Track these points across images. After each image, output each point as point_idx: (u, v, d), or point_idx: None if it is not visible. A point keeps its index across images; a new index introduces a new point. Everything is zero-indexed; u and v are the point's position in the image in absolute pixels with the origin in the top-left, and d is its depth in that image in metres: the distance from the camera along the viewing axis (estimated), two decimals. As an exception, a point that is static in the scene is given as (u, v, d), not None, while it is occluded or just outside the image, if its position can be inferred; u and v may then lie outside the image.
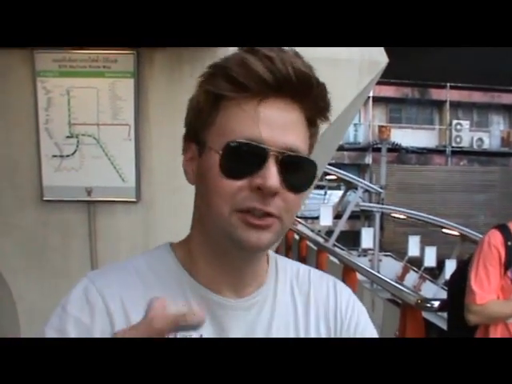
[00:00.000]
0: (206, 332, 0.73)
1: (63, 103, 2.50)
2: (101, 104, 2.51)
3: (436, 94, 21.22)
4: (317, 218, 12.49)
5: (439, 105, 21.67)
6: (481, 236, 2.24)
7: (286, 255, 7.27)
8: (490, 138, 21.67)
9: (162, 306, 0.56)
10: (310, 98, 0.72)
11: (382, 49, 2.75)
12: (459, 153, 21.20)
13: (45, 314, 0.76)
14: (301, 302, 0.83)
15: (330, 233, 12.53)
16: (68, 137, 2.53)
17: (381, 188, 14.81)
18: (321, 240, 10.22)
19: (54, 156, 2.53)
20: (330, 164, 10.96)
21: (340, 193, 14.55)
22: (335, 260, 6.52)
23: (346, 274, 5.37)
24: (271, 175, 0.69)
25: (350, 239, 15.06)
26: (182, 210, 2.15)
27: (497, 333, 2.09)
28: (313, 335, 0.81)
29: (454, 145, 21.03)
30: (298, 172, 0.72)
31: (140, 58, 2.49)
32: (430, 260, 12.65)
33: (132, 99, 2.51)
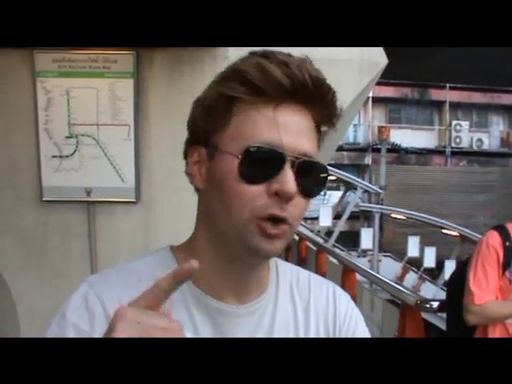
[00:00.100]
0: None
1: (63, 103, 2.50)
2: (100, 104, 2.51)
3: (435, 94, 21.22)
4: (316, 218, 12.47)
5: (439, 105, 21.67)
6: (480, 237, 2.25)
7: (286, 256, 7.27)
8: (490, 138, 21.67)
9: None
10: (322, 104, 0.73)
11: (381, 49, 2.75)
12: (459, 153, 21.20)
13: (45, 314, 0.76)
14: (301, 308, 0.83)
15: (329, 233, 12.52)
16: (68, 137, 2.53)
17: (380, 188, 14.82)
18: (320, 240, 10.21)
19: (54, 156, 2.53)
20: (329, 164, 10.91)
21: (339, 193, 14.54)
22: (335, 260, 6.51)
23: (346, 274, 5.37)
24: (289, 180, 0.69)
25: (350, 240, 15.05)
26: (182, 210, 2.16)
27: (495, 333, 2.09)
28: None
29: (453, 145, 21.03)
30: (311, 177, 0.73)
31: (140, 59, 2.49)
32: (430, 260, 12.64)
33: (132, 99, 2.51)
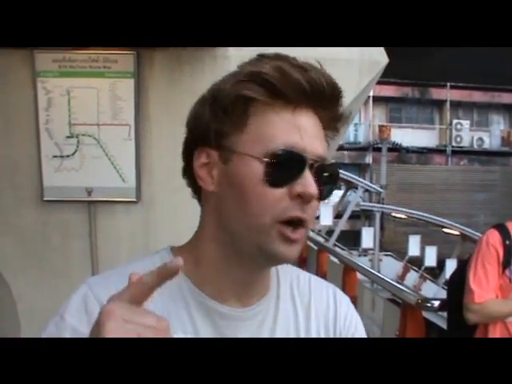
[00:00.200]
0: None
1: (63, 103, 2.50)
2: (101, 104, 2.51)
3: (436, 93, 21.20)
4: (317, 217, 12.47)
5: (439, 104, 21.65)
6: (481, 235, 2.25)
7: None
8: (491, 137, 21.65)
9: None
10: (334, 108, 0.75)
11: (381, 49, 2.75)
12: (459, 152, 21.19)
13: (45, 314, 0.76)
14: (302, 311, 0.83)
15: (330, 232, 12.51)
16: (68, 137, 2.53)
17: (381, 188, 14.80)
18: (321, 240, 10.21)
19: (55, 156, 2.53)
20: (330, 164, 10.91)
21: (340, 192, 14.52)
22: (336, 260, 6.51)
23: (347, 273, 5.37)
24: (311, 182, 0.70)
25: (351, 239, 15.04)
26: (182, 210, 2.16)
27: (496, 332, 2.09)
28: None
29: (454, 144, 21.01)
30: (327, 180, 0.74)
31: (140, 58, 2.49)
32: (431, 260, 12.62)
33: (132, 99, 2.51)
